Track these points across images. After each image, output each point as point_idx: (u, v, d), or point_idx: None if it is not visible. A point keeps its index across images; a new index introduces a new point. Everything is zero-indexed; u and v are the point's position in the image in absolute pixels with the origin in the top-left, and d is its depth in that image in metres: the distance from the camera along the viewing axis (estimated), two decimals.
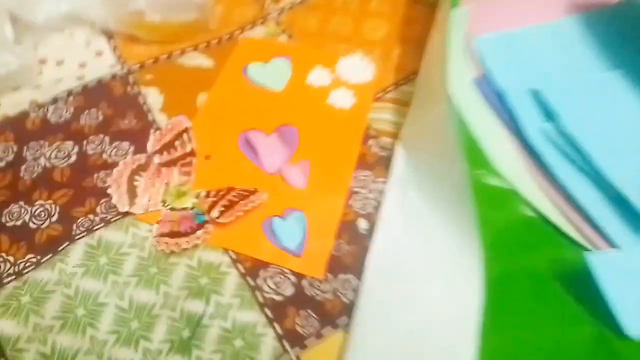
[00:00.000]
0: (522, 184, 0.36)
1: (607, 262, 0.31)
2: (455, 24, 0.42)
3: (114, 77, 0.42)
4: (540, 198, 0.35)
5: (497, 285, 0.31)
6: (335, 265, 0.33)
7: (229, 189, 0.35)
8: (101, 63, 0.43)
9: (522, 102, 0.39)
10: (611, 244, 0.33)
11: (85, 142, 0.38)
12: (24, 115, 0.39)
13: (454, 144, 0.33)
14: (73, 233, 0.33)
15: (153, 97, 0.41)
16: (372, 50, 0.45)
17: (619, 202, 0.34)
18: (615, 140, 0.37)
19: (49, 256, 0.32)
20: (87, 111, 0.40)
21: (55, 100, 0.40)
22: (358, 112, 0.41)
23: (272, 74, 0.43)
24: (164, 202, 0.35)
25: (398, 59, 0.45)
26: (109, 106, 0.40)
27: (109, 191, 0.35)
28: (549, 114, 0.38)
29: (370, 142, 0.40)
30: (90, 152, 0.37)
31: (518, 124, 0.38)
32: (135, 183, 0.35)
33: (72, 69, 0.42)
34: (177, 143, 0.37)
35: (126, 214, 0.34)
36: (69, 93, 0.41)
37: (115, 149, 0.38)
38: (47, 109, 0.40)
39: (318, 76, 0.43)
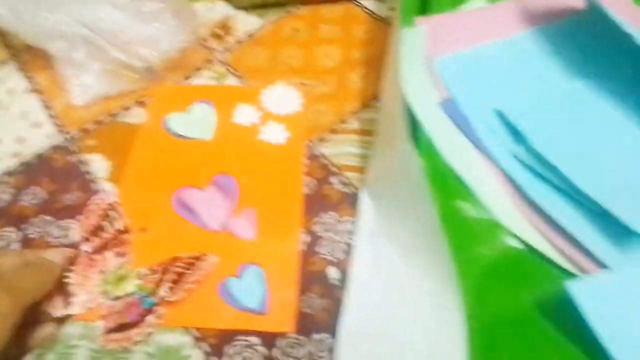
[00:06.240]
0: (503, 212, 0.33)
1: (589, 288, 0.28)
2: (410, 45, 0.39)
3: (54, 148, 0.39)
4: (523, 226, 0.33)
5: (488, 329, 0.29)
6: (308, 324, 0.31)
7: (174, 260, 0.32)
8: (40, 135, 0.40)
9: (489, 126, 0.37)
10: (600, 264, 0.30)
11: (25, 225, 0.35)
12: None
13: (422, 187, 0.30)
14: None
15: (98, 165, 0.38)
16: (327, 79, 0.43)
17: (601, 217, 0.31)
18: (587, 152, 0.34)
19: None
20: (27, 190, 0.37)
21: None
22: (294, 145, 0.39)
23: (194, 122, 0.40)
24: (104, 293, 0.31)
25: (355, 85, 0.42)
26: (51, 181, 0.37)
27: None
28: (517, 135, 0.35)
29: (333, 179, 0.37)
30: (33, 236, 0.35)
31: (487, 148, 0.35)
32: (67, 280, 0.31)
33: (9, 146, 0.39)
34: (104, 223, 0.34)
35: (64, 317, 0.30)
36: (8, 173, 0.38)
37: (60, 229, 0.35)
38: None
39: (244, 114, 0.41)
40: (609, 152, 0.35)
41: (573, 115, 0.37)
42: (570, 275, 0.30)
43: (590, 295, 0.28)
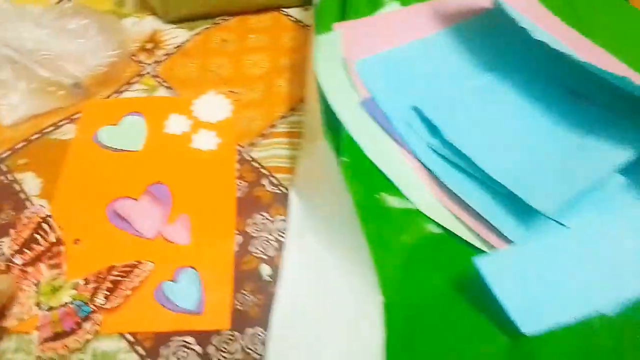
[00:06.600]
0: (422, 201, 0.36)
1: (494, 262, 0.31)
2: (328, 49, 0.41)
3: None
4: (441, 212, 0.35)
5: (408, 312, 0.31)
6: (241, 320, 0.32)
7: (110, 269, 0.33)
8: None
9: (407, 121, 0.39)
10: (509, 241, 0.33)
11: None
12: None
13: (340, 183, 0.32)
14: None
15: (30, 182, 0.38)
16: (255, 86, 0.45)
17: (508, 198, 0.34)
18: (494, 140, 0.37)
19: None
20: None
21: None
22: (226, 150, 0.40)
23: (126, 134, 0.41)
24: (38, 304, 0.32)
25: (283, 90, 0.44)
26: None
27: None
28: (432, 128, 0.38)
29: (263, 181, 0.39)
30: None
31: (406, 142, 0.38)
32: None
33: None
34: (37, 236, 0.34)
35: None
36: None
37: None
38: None
39: (175, 123, 0.42)
40: (514, 138, 0.38)
41: (482, 107, 0.40)
42: (484, 254, 0.33)
43: (495, 269, 0.30)
